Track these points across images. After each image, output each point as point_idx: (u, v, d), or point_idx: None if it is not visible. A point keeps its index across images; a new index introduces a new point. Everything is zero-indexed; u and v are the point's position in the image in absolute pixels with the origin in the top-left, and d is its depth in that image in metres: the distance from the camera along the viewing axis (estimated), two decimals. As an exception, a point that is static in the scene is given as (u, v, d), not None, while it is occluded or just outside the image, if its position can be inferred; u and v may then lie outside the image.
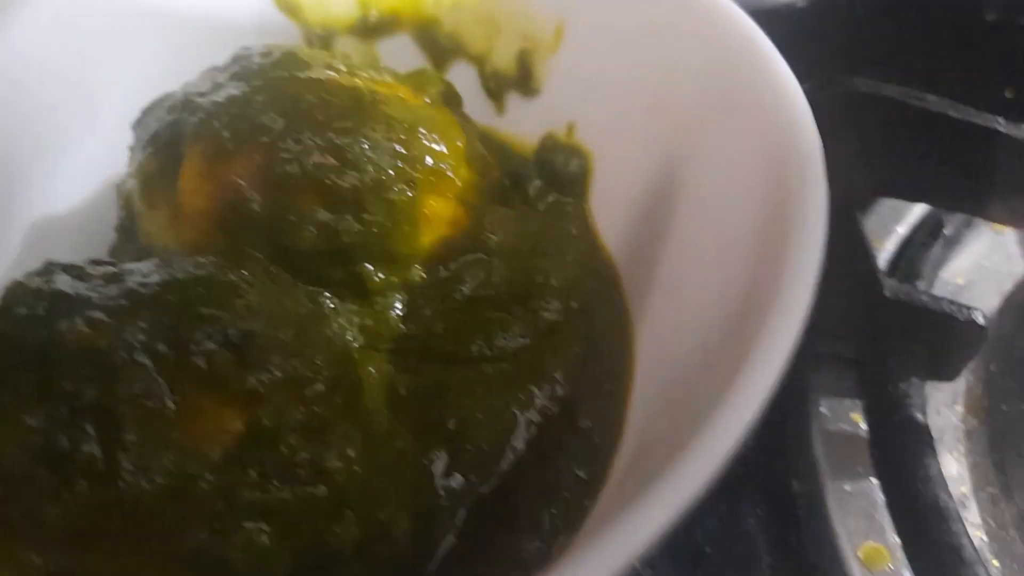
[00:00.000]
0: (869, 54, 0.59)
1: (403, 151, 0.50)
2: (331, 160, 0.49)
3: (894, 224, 0.70)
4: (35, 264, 0.43)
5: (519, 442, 0.47)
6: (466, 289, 0.53)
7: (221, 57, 0.56)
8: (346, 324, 0.49)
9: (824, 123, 0.42)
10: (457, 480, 0.46)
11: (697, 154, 0.49)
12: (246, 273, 0.43)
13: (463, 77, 0.64)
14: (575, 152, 0.59)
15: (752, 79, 0.45)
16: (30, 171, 0.59)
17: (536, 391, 0.49)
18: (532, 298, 0.53)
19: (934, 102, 0.47)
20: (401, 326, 0.51)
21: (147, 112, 0.55)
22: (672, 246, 0.50)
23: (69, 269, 0.42)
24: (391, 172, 0.50)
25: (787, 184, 0.39)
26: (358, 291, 0.50)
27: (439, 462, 0.46)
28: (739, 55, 0.46)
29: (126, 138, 0.56)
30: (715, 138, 0.47)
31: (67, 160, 0.60)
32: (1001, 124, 0.48)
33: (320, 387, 0.41)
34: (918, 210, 0.71)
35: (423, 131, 0.52)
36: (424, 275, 0.52)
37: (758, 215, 0.40)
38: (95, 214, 0.59)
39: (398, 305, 0.51)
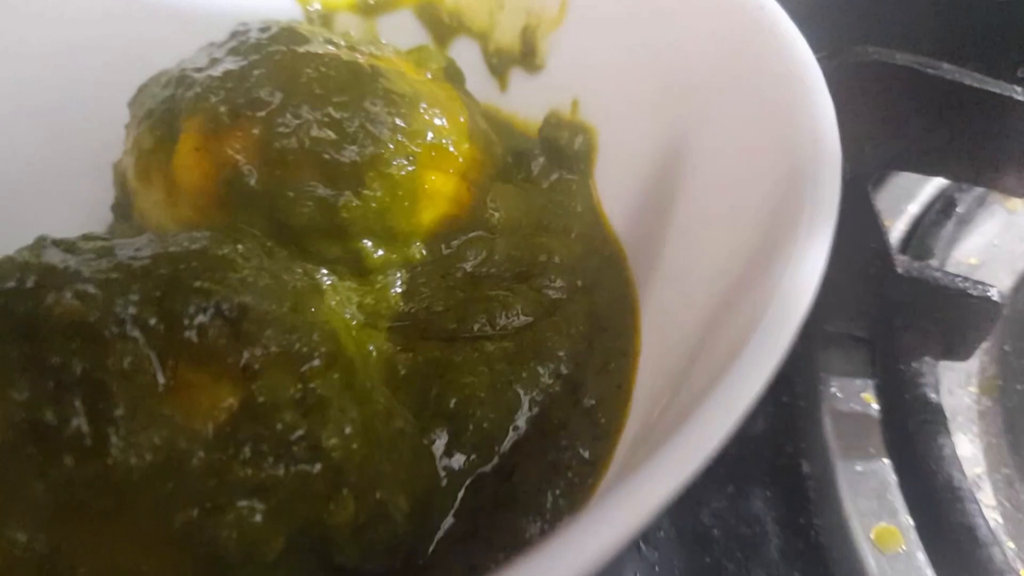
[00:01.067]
0: (880, 28, 0.57)
1: (403, 125, 0.49)
2: (330, 134, 0.48)
3: (905, 203, 0.69)
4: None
5: (522, 421, 0.46)
6: (468, 267, 0.52)
7: (221, 36, 0.55)
8: (344, 301, 0.48)
9: (836, 93, 0.41)
10: (458, 460, 0.45)
11: (704, 127, 0.48)
12: (241, 247, 0.42)
13: (465, 54, 0.62)
14: (579, 129, 0.58)
15: (763, 48, 0.44)
16: (30, 153, 0.58)
17: (539, 370, 0.48)
18: (535, 276, 0.52)
19: (949, 70, 0.46)
20: (401, 304, 0.50)
21: (142, 89, 0.54)
22: (678, 222, 0.49)
23: (60, 243, 0.41)
24: (391, 146, 0.49)
25: (800, 157, 0.38)
26: (357, 268, 0.50)
27: (439, 441, 0.45)
28: (750, 24, 0.45)
29: (124, 118, 0.55)
30: (723, 110, 0.46)
31: (66, 141, 0.59)
32: (1018, 93, 0.47)
33: (317, 363, 0.40)
34: (930, 188, 0.69)
35: (424, 106, 0.51)
36: (425, 252, 0.51)
37: (770, 189, 0.39)
38: (93, 196, 0.58)
39: (398, 283, 0.51)
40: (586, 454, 0.45)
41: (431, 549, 0.42)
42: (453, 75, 0.58)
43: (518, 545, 0.42)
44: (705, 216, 0.46)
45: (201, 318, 0.37)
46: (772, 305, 0.31)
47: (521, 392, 0.47)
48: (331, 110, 0.48)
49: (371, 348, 0.47)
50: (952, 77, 0.46)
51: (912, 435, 0.53)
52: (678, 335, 0.45)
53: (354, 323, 0.48)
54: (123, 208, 0.53)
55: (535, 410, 0.47)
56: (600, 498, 0.43)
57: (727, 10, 0.47)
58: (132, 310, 0.36)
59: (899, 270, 0.53)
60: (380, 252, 0.49)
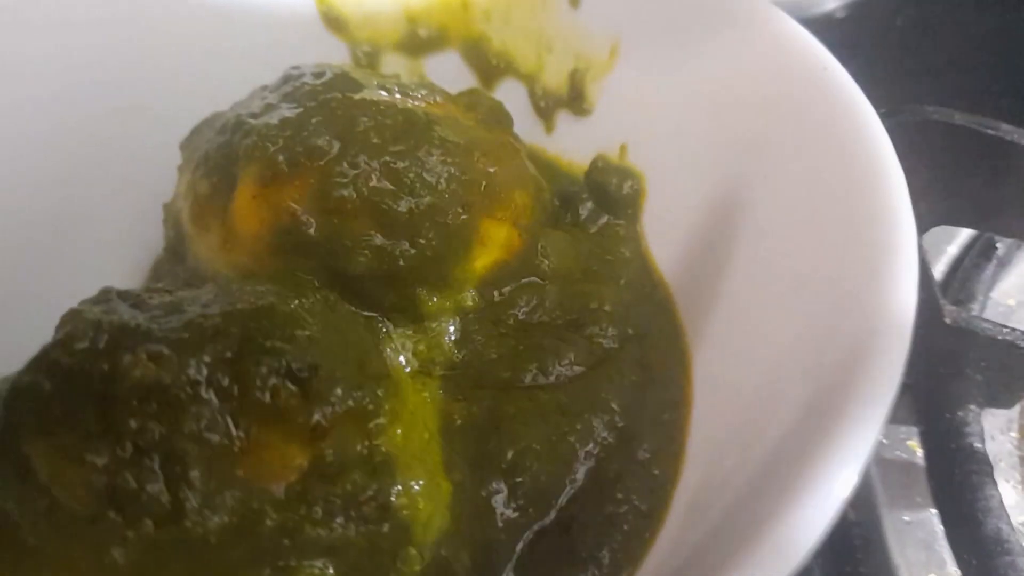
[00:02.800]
0: (938, 87, 0.57)
1: (458, 174, 0.49)
2: (387, 184, 0.48)
3: (946, 244, 0.69)
4: (85, 283, 0.43)
5: (577, 473, 0.47)
6: (520, 314, 0.52)
7: (268, 74, 0.55)
8: (399, 348, 0.49)
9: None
10: (516, 513, 0.45)
11: (761, 179, 0.48)
12: (306, 302, 0.42)
13: (511, 95, 0.62)
14: (627, 173, 0.59)
15: (828, 110, 0.44)
16: (78, 189, 0.58)
17: (594, 422, 0.48)
18: (587, 324, 0.52)
19: (1007, 131, 0.46)
20: (454, 351, 0.50)
21: (196, 132, 0.54)
22: (733, 274, 0.49)
23: (126, 296, 0.41)
24: (447, 196, 0.49)
25: (873, 218, 0.38)
26: (411, 315, 0.50)
27: (497, 494, 0.45)
28: (813, 84, 0.45)
29: (172, 156, 0.55)
30: (782, 163, 0.46)
31: (113, 178, 0.59)
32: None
33: (382, 420, 0.40)
34: (968, 232, 0.69)
35: (478, 153, 0.51)
36: (477, 299, 0.51)
37: (838, 248, 0.39)
38: (142, 232, 0.58)
39: (451, 330, 0.51)
40: (643, 507, 0.45)
41: (492, 604, 0.42)
42: (501, 118, 0.58)
43: (578, 600, 0.42)
44: (764, 270, 0.46)
45: (272, 379, 0.37)
46: (862, 375, 0.31)
47: (576, 444, 0.47)
48: (388, 159, 0.48)
49: (426, 396, 0.47)
50: (1011, 138, 0.46)
51: (959, 485, 0.53)
52: (735, 387, 0.46)
53: (408, 370, 0.48)
54: (175, 250, 0.54)
55: (590, 462, 0.47)
56: (660, 553, 0.43)
57: (788, 69, 0.47)
58: (205, 372, 0.36)
59: (947, 320, 0.54)
60: (434, 299, 0.50)
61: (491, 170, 0.51)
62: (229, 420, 0.36)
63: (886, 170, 0.39)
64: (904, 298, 0.34)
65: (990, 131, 0.45)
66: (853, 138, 0.41)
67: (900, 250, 0.36)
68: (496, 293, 0.52)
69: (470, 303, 0.51)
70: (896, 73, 0.49)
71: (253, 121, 0.51)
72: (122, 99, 0.60)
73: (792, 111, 0.46)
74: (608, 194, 0.58)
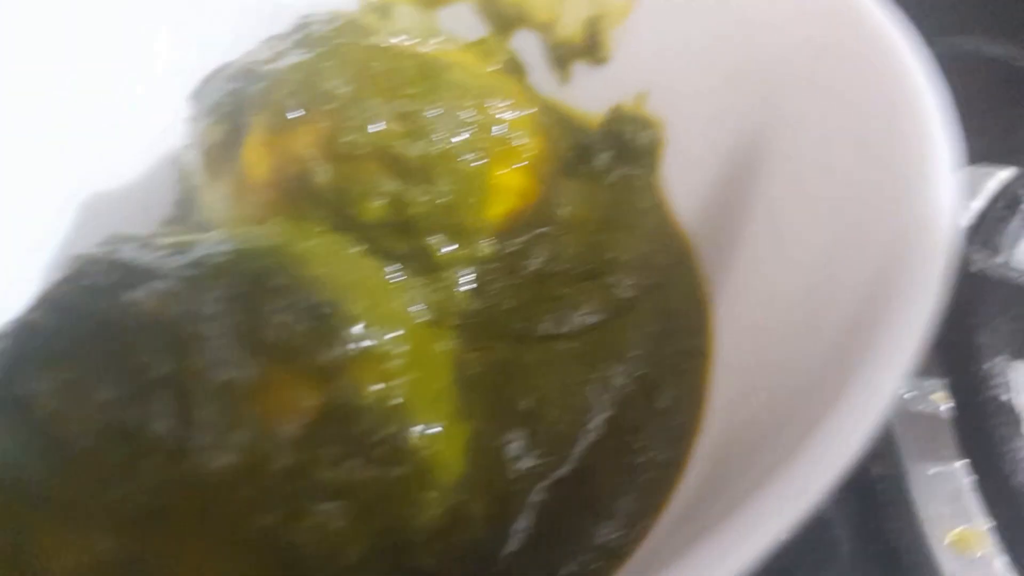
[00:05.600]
0: (970, 17, 0.56)
1: (473, 119, 0.48)
2: (399, 128, 0.47)
3: (969, 198, 0.67)
4: (94, 239, 0.41)
5: (596, 423, 0.46)
6: (535, 264, 0.51)
7: (278, 29, 0.54)
8: (413, 298, 0.48)
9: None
10: (532, 462, 0.44)
11: (787, 122, 0.46)
12: (317, 243, 0.41)
13: (525, 46, 0.61)
14: (646, 123, 0.57)
15: (856, 40, 0.42)
16: (86, 146, 0.57)
17: (611, 370, 0.47)
18: (603, 274, 0.51)
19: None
20: (468, 302, 0.49)
21: (206, 82, 0.53)
22: (756, 223, 0.48)
23: (132, 240, 0.40)
24: (460, 141, 0.48)
25: (909, 155, 0.37)
26: (424, 265, 0.49)
27: (513, 444, 0.44)
28: (839, 15, 0.43)
29: (183, 113, 0.54)
30: (810, 104, 0.45)
31: (123, 134, 0.59)
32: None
33: (397, 363, 0.39)
34: (992, 184, 0.68)
35: (493, 99, 0.50)
36: (491, 249, 0.50)
37: (873, 187, 0.38)
38: (151, 188, 0.58)
39: (465, 280, 0.50)
40: (662, 457, 0.44)
41: (508, 553, 0.41)
42: (515, 68, 0.57)
43: (596, 549, 0.41)
44: (790, 218, 0.45)
45: (285, 316, 0.36)
46: (891, 319, 0.30)
47: (594, 394, 0.46)
48: (400, 104, 0.47)
49: (441, 345, 0.47)
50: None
51: (986, 438, 0.52)
52: (757, 339, 0.44)
53: (421, 320, 0.47)
54: (186, 202, 0.53)
55: (608, 412, 0.46)
56: (679, 504, 0.42)
57: (814, 5, 0.45)
58: (215, 308, 0.36)
59: (972, 269, 0.52)
60: (448, 248, 0.49)
61: (506, 116, 0.50)
62: (239, 357, 0.35)
63: (922, 102, 0.38)
64: (943, 236, 0.33)
65: (1021, 63, 0.44)
66: (887, 73, 0.40)
67: (939, 184, 0.35)
68: (511, 242, 0.51)
69: (484, 253, 0.50)
70: (926, 5, 0.47)
71: (263, 68, 0.50)
72: (131, 57, 0.59)
73: (820, 49, 0.45)
74: (625, 144, 0.57)
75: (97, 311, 0.35)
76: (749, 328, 0.46)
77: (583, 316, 0.49)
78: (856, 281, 0.37)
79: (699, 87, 0.54)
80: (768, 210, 0.47)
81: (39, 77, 0.56)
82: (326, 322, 0.37)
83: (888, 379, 0.29)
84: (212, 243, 0.39)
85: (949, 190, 0.35)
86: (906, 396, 0.55)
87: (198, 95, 0.53)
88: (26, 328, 0.36)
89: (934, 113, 0.37)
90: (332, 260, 0.41)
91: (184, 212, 0.53)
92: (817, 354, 0.37)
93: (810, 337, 0.39)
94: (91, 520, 0.33)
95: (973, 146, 0.49)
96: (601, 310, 0.50)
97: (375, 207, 0.46)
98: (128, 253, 0.38)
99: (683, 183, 0.55)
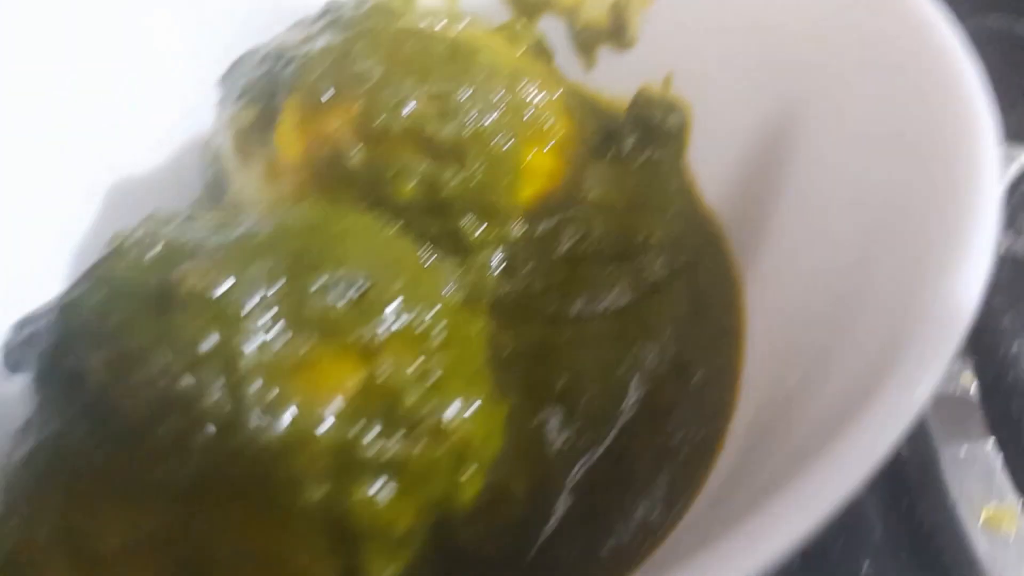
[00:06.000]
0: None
1: (503, 101, 0.49)
2: (431, 109, 0.47)
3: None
4: (123, 224, 0.41)
5: (631, 402, 0.46)
6: (565, 245, 0.51)
7: (306, 10, 0.54)
8: (446, 279, 0.48)
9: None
10: (569, 441, 0.44)
11: (818, 101, 0.46)
12: (355, 221, 0.41)
13: (549, 31, 0.61)
14: (672, 106, 0.57)
15: (890, 17, 0.42)
16: (111, 132, 0.57)
17: (644, 350, 0.47)
18: (634, 255, 0.51)
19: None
20: (501, 283, 0.49)
21: (235, 66, 0.53)
22: (786, 206, 0.48)
23: (174, 218, 0.40)
24: (491, 122, 0.48)
25: (947, 132, 0.36)
26: (457, 246, 0.49)
27: (551, 421, 0.44)
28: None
29: (209, 99, 0.54)
30: (842, 83, 0.45)
31: (147, 119, 0.59)
32: None
33: (437, 341, 0.39)
34: (1014, 167, 0.68)
35: (522, 81, 0.50)
36: (523, 231, 0.50)
37: (909, 166, 0.38)
38: (178, 173, 0.58)
39: (497, 261, 0.50)
40: (699, 435, 0.44)
41: (548, 531, 0.41)
42: (542, 52, 0.57)
43: (636, 526, 0.42)
44: (820, 201, 0.45)
45: (326, 294, 0.36)
46: (930, 321, 0.30)
47: (628, 373, 0.46)
48: (432, 85, 0.47)
49: (475, 326, 0.46)
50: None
51: (1015, 417, 0.52)
52: (789, 320, 0.44)
53: (456, 301, 0.47)
54: (216, 186, 0.53)
55: (643, 391, 0.46)
56: (717, 481, 0.42)
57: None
58: (260, 283, 0.35)
59: (1000, 250, 0.52)
60: (480, 230, 0.49)
61: (536, 98, 0.50)
62: (283, 333, 0.35)
63: (963, 81, 0.37)
64: (989, 220, 0.33)
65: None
66: (925, 52, 0.39)
67: (983, 167, 0.35)
68: (542, 224, 0.51)
69: (516, 234, 0.50)
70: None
71: (294, 51, 0.50)
72: (152, 41, 0.59)
73: (853, 28, 0.45)
74: (652, 128, 0.57)
75: (144, 286, 0.35)
76: (781, 309, 0.46)
77: (615, 297, 0.49)
78: (894, 265, 0.36)
79: (727, 70, 0.54)
80: (798, 192, 0.47)
81: (62, 64, 0.56)
82: (366, 299, 0.37)
83: (930, 369, 0.29)
84: (253, 221, 0.39)
85: (993, 172, 0.35)
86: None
87: (228, 78, 0.53)
88: (72, 304, 0.36)
89: (976, 92, 0.37)
90: (370, 238, 0.41)
91: (214, 195, 0.53)
92: (852, 338, 0.37)
93: (845, 321, 0.39)
94: (140, 494, 0.33)
95: (1002, 124, 0.49)
96: (632, 291, 0.50)
97: (408, 188, 0.46)
98: (170, 230, 0.38)
99: (711, 165, 0.54)
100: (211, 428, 0.33)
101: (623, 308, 0.49)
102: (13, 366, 0.39)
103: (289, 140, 0.47)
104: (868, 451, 0.27)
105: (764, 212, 0.49)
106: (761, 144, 0.51)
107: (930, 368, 0.29)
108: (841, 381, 0.34)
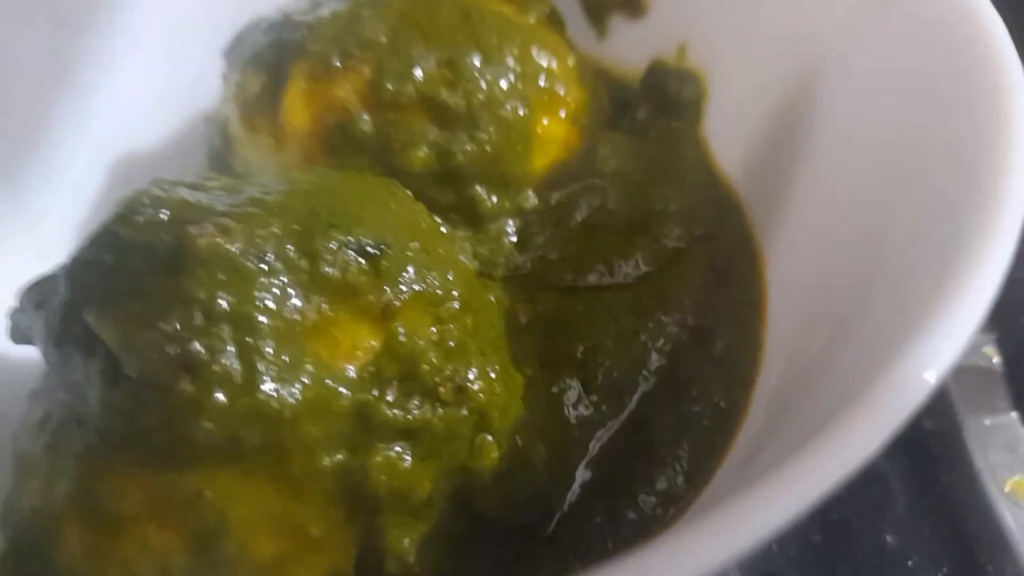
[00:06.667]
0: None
1: (516, 67, 0.48)
2: (443, 76, 0.46)
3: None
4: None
5: (651, 371, 0.45)
6: (581, 215, 0.50)
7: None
8: (460, 249, 0.47)
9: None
10: (588, 410, 0.43)
11: (839, 68, 0.45)
12: (370, 185, 0.40)
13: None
14: (688, 76, 0.56)
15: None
16: (116, 103, 0.56)
17: (665, 319, 0.46)
18: (652, 225, 0.50)
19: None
20: (515, 253, 0.48)
21: (241, 36, 0.52)
22: (805, 174, 0.47)
23: (181, 182, 0.39)
24: (505, 89, 0.47)
25: (974, 99, 0.35)
26: (470, 216, 0.48)
27: (570, 391, 0.43)
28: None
29: (213, 70, 0.53)
30: (866, 48, 0.43)
31: (154, 92, 0.58)
32: None
33: (454, 305, 0.38)
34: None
35: (535, 48, 0.49)
36: (537, 200, 0.49)
37: (936, 133, 0.37)
38: (183, 144, 0.57)
39: (511, 231, 0.49)
40: (721, 404, 0.43)
41: (570, 498, 0.40)
42: (555, 20, 0.55)
43: (659, 496, 0.41)
44: (839, 171, 0.44)
45: (342, 254, 0.35)
46: (954, 292, 0.29)
47: (648, 342, 0.45)
48: (443, 52, 0.46)
49: (491, 296, 0.46)
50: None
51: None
52: (810, 290, 0.43)
53: (472, 269, 0.47)
54: (221, 159, 0.52)
55: (663, 360, 0.45)
56: (741, 451, 0.41)
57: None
58: (273, 243, 0.34)
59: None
60: (493, 199, 0.48)
61: (548, 65, 0.49)
62: (300, 294, 0.34)
63: (986, 37, 0.36)
64: (1015, 180, 0.32)
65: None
66: (948, 17, 0.38)
67: (1013, 134, 0.33)
68: (556, 194, 0.50)
69: (529, 205, 0.49)
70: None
71: (301, 18, 0.49)
72: (163, 12, 0.58)
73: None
74: (667, 98, 0.56)
75: (156, 245, 0.34)
76: (803, 279, 0.45)
77: (632, 267, 0.48)
78: (917, 233, 0.35)
79: (742, 38, 0.53)
80: (818, 161, 0.46)
81: (66, 34, 0.55)
82: (384, 260, 0.36)
83: (954, 339, 0.28)
84: (264, 184, 0.38)
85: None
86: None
87: (234, 49, 0.52)
88: (84, 264, 0.35)
89: (1005, 50, 0.36)
90: (385, 200, 0.40)
91: (220, 167, 0.52)
92: (875, 307, 0.36)
93: (866, 289, 0.37)
94: (154, 460, 0.32)
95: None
96: (651, 261, 0.49)
97: (420, 156, 0.45)
98: (180, 193, 0.37)
99: (728, 135, 0.53)
100: (225, 391, 0.32)
101: (641, 278, 0.48)
102: (20, 336, 0.38)
103: (297, 108, 0.46)
104: (888, 417, 0.26)
105: (783, 182, 0.48)
106: (779, 113, 0.50)
107: (954, 338, 0.28)
108: (863, 350, 0.33)
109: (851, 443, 0.26)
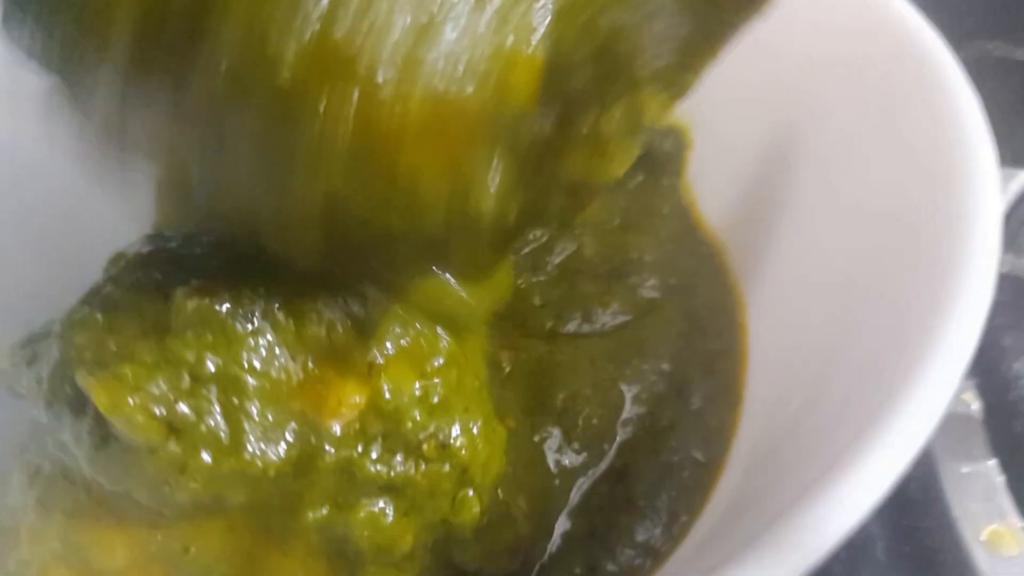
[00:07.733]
0: (1001, 22, 0.56)
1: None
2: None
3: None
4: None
5: (630, 421, 0.45)
6: (557, 259, 0.51)
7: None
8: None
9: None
10: (569, 459, 0.44)
11: (819, 122, 0.46)
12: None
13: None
14: (668, 129, 0.57)
15: (891, 46, 0.42)
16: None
17: (643, 367, 0.47)
18: (628, 274, 0.51)
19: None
20: (496, 298, 0.49)
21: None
22: (789, 225, 0.48)
23: (172, 237, 0.40)
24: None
25: (948, 152, 0.36)
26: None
27: (551, 440, 0.44)
28: (874, 19, 0.44)
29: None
30: (843, 104, 0.45)
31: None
32: None
33: (440, 360, 0.39)
34: (1015, 186, 0.68)
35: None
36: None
37: (911, 185, 0.38)
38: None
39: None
40: (699, 456, 0.44)
41: (550, 550, 0.41)
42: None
43: (637, 547, 0.41)
44: (823, 224, 0.45)
45: (328, 313, 0.36)
46: (936, 348, 0.30)
47: (626, 390, 0.46)
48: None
49: (473, 343, 0.46)
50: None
51: (1018, 437, 0.52)
52: (793, 343, 0.44)
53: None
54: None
55: (642, 409, 0.46)
56: (719, 503, 0.42)
57: (844, 2, 0.46)
58: (260, 303, 0.35)
59: (1003, 269, 0.52)
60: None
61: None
62: (285, 353, 0.35)
63: (961, 105, 0.38)
64: (987, 228, 0.33)
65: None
66: (924, 77, 0.40)
67: (980, 181, 0.35)
68: (532, 236, 0.51)
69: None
70: (954, 10, 0.47)
71: None
72: None
73: (853, 55, 0.45)
74: (648, 152, 0.57)
75: (144, 309, 0.35)
76: (783, 331, 0.46)
77: (612, 315, 0.49)
78: (897, 287, 0.36)
79: (725, 90, 0.53)
80: (800, 213, 0.47)
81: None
82: (368, 320, 0.37)
83: (937, 396, 0.29)
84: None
85: (993, 196, 0.35)
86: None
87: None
88: (75, 324, 0.35)
89: (974, 116, 0.37)
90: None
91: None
92: (855, 363, 0.37)
93: (849, 345, 0.38)
94: (142, 515, 0.33)
95: (999, 149, 0.49)
96: (628, 310, 0.50)
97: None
98: (169, 249, 0.38)
99: (710, 184, 0.54)
100: (209, 451, 0.32)
101: (620, 326, 0.49)
102: (16, 392, 0.39)
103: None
104: (874, 483, 0.27)
105: (765, 232, 0.49)
106: (762, 162, 0.51)
107: (937, 395, 0.28)
108: (845, 407, 0.34)
109: (835, 513, 0.27)
